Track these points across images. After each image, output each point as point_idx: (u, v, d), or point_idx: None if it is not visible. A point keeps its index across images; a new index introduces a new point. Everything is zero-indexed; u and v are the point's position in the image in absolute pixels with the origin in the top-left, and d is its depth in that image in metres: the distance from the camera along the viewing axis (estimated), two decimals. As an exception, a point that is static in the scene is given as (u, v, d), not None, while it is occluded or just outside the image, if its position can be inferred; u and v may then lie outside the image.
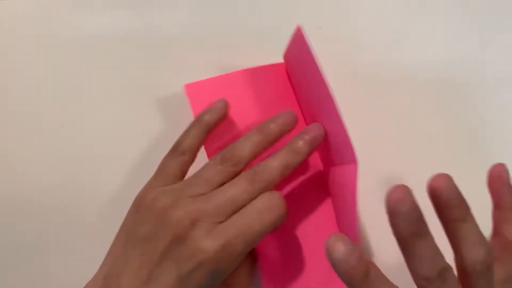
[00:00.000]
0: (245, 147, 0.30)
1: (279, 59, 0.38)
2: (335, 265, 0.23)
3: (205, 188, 0.29)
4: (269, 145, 0.31)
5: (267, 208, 0.28)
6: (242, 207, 0.28)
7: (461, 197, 0.24)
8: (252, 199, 0.28)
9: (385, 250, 0.34)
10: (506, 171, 0.28)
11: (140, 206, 0.29)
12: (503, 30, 0.38)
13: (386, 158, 0.37)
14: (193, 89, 0.35)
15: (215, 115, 0.32)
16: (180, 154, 0.31)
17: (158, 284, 0.27)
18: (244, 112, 0.35)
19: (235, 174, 0.30)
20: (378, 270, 0.24)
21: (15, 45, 0.39)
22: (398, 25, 0.38)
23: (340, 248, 0.23)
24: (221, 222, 0.27)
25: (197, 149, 0.32)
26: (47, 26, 0.39)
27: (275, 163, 0.29)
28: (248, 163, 0.30)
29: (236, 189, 0.28)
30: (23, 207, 0.37)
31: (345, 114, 0.38)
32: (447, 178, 0.24)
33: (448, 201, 0.23)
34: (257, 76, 0.36)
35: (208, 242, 0.26)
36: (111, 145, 0.38)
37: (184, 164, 0.31)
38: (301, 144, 0.30)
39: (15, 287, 0.36)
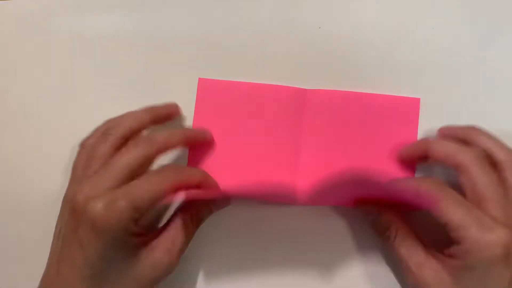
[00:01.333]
0: (124, 117, 0.33)
1: (279, 59, 0.38)
2: None
3: (99, 163, 0.31)
4: (149, 122, 0.33)
5: (158, 175, 0.30)
6: (137, 173, 0.30)
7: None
8: (141, 163, 0.30)
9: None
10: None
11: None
12: (503, 30, 0.38)
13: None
14: (204, 84, 0.37)
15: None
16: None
17: (67, 260, 0.29)
18: (243, 124, 0.37)
19: (120, 142, 0.32)
20: None
21: (15, 45, 0.39)
22: (398, 25, 0.38)
23: None
24: (113, 188, 0.29)
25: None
26: (47, 26, 0.39)
27: (160, 132, 0.32)
28: (128, 132, 0.32)
29: (124, 155, 0.30)
30: (23, 207, 0.37)
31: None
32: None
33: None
34: (270, 93, 0.37)
35: (93, 203, 0.28)
36: (111, 145, 0.38)
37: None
38: (180, 129, 0.35)
39: (15, 287, 0.37)
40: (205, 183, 0.33)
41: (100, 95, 0.38)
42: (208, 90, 0.37)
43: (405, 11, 0.38)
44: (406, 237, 0.32)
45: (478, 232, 0.28)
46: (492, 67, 0.37)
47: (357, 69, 0.38)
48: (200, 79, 0.37)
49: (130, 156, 0.30)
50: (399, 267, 0.32)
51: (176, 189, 0.30)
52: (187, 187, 0.31)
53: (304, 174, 0.36)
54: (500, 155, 0.31)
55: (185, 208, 0.33)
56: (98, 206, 0.28)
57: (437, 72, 0.37)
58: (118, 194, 0.28)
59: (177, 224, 0.32)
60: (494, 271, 0.28)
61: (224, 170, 0.36)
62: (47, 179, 0.37)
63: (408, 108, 0.37)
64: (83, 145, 0.34)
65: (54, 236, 0.32)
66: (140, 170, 0.31)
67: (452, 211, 0.29)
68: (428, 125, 0.37)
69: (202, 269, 0.36)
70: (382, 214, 0.33)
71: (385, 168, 0.36)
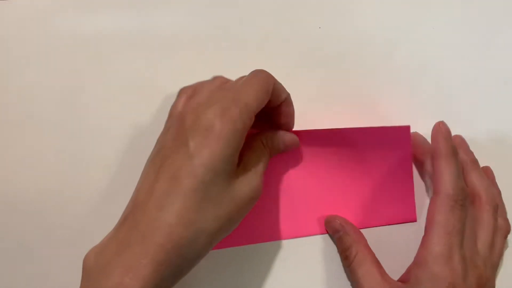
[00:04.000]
0: None
1: (279, 59, 0.38)
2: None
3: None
4: None
5: (258, 79, 0.30)
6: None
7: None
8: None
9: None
10: (445, 126, 0.34)
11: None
12: (503, 30, 0.38)
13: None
14: None
15: None
16: None
17: (167, 175, 0.27)
18: None
19: None
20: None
21: (15, 45, 0.39)
22: (398, 25, 0.38)
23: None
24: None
25: None
26: (47, 26, 0.39)
27: None
28: None
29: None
30: (23, 207, 0.37)
31: (344, 114, 0.39)
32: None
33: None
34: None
35: (206, 109, 0.28)
36: (111, 145, 0.38)
37: None
38: None
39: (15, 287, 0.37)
40: (288, 100, 0.32)
41: (100, 95, 0.38)
42: None
43: (405, 11, 0.38)
44: (364, 260, 0.33)
45: (438, 265, 0.30)
46: (492, 67, 0.38)
47: (357, 69, 0.38)
48: None
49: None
50: None
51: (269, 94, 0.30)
52: (276, 96, 0.31)
53: (305, 213, 0.36)
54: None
55: (258, 134, 0.32)
56: (212, 113, 0.27)
57: (437, 72, 0.38)
58: (230, 101, 0.28)
59: (255, 146, 0.31)
60: None
61: None
62: (47, 178, 0.38)
63: (399, 137, 0.36)
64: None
65: (148, 162, 0.31)
66: None
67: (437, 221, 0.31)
68: (429, 124, 0.37)
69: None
70: (347, 233, 0.34)
71: (384, 201, 0.36)
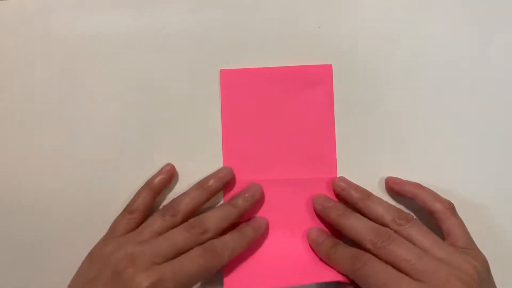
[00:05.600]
0: (183, 201, 0.35)
1: (279, 59, 0.38)
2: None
3: (148, 235, 0.33)
4: (206, 199, 0.36)
5: (200, 254, 0.32)
6: (181, 253, 0.32)
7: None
8: (190, 245, 0.32)
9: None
10: (344, 180, 0.37)
11: (91, 256, 0.33)
12: (503, 30, 0.38)
13: (383, 157, 0.37)
14: (226, 75, 0.38)
15: (163, 181, 0.36)
16: (129, 213, 0.35)
17: None
18: (269, 110, 0.38)
19: (175, 224, 0.34)
20: None
21: (15, 45, 0.39)
22: (398, 25, 0.38)
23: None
24: (159, 264, 0.31)
25: (146, 209, 0.36)
26: (47, 26, 0.39)
27: (213, 214, 0.34)
28: (187, 214, 0.34)
29: (176, 236, 0.33)
30: (23, 207, 0.37)
31: (345, 114, 0.39)
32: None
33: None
34: (295, 75, 0.38)
35: (142, 277, 0.29)
36: (111, 145, 0.38)
37: (132, 222, 0.35)
38: (240, 201, 0.35)
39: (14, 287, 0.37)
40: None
41: (99, 95, 0.38)
42: (231, 80, 0.38)
43: (405, 11, 0.38)
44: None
45: None
46: (492, 67, 0.37)
47: (357, 69, 0.38)
48: (221, 71, 0.38)
49: (182, 239, 0.32)
50: None
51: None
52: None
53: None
54: (437, 206, 0.34)
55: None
56: (146, 283, 0.29)
57: (437, 72, 0.37)
58: (167, 273, 0.30)
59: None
60: None
61: (260, 157, 0.37)
62: (47, 178, 0.38)
63: (322, 76, 0.37)
64: (131, 211, 0.35)
65: (82, 276, 0.32)
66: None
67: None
68: (430, 124, 0.37)
69: None
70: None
71: (306, 138, 0.37)
